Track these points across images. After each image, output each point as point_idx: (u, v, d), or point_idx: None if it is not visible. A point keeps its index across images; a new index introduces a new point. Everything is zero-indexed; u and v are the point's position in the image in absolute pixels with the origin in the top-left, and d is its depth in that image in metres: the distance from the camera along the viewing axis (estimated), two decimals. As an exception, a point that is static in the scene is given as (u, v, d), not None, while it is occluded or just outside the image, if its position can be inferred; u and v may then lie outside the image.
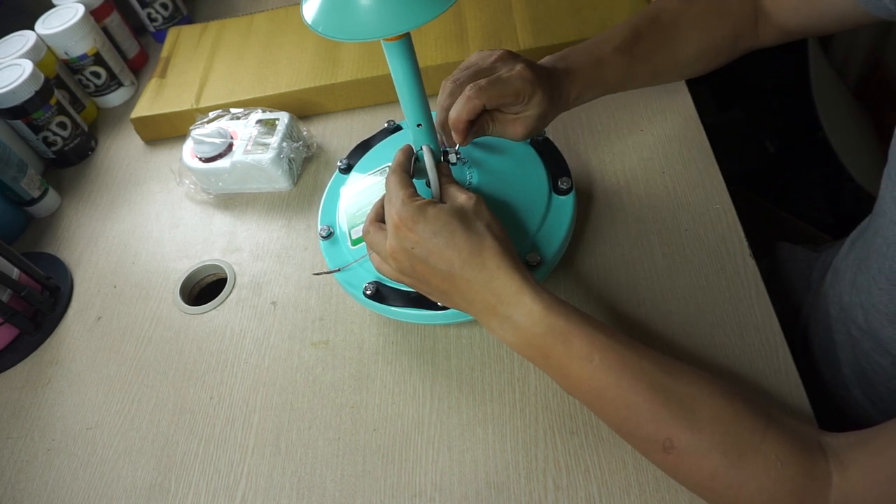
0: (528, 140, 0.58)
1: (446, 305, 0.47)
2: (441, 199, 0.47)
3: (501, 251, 0.42)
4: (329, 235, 0.56)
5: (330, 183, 0.61)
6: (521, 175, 0.55)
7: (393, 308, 0.50)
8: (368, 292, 0.51)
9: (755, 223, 0.59)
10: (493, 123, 0.50)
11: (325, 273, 0.53)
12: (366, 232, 0.47)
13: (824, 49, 0.91)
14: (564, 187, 0.53)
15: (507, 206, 0.52)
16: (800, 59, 0.87)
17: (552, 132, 0.65)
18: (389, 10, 0.36)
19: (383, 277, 0.51)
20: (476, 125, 0.49)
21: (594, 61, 0.53)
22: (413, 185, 0.46)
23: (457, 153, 0.52)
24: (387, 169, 0.58)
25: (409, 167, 0.48)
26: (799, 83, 0.88)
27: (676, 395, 0.38)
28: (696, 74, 0.59)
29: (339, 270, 0.53)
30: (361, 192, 0.58)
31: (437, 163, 0.48)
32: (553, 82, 0.50)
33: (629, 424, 0.39)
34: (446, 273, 0.42)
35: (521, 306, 0.41)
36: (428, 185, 0.49)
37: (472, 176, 0.55)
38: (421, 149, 0.48)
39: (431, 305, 0.49)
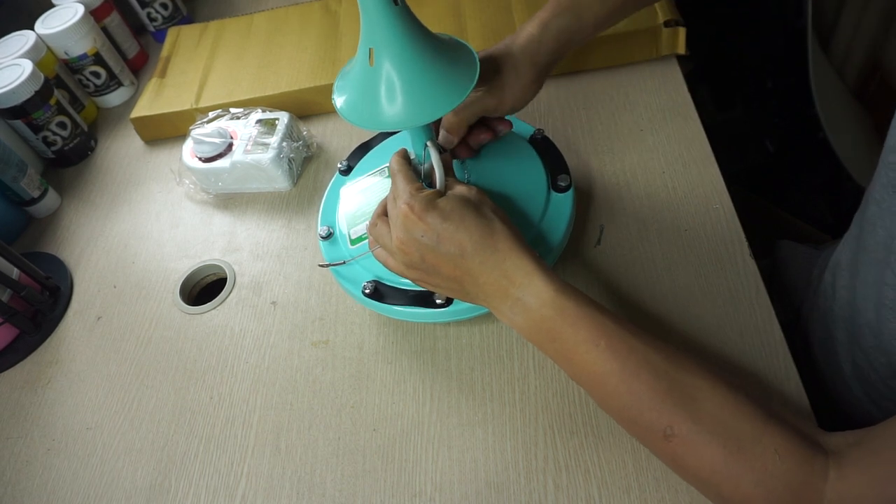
0: (527, 137, 0.58)
1: (454, 297, 0.47)
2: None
3: (511, 234, 0.43)
4: (329, 236, 0.56)
5: (330, 184, 0.61)
6: (519, 173, 0.55)
7: (392, 307, 0.50)
8: (367, 291, 0.51)
9: (755, 223, 0.59)
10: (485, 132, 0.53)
11: (330, 265, 0.53)
12: (372, 225, 0.48)
13: (824, 49, 0.91)
14: (563, 184, 0.53)
15: (505, 203, 0.52)
16: (800, 59, 0.87)
17: (551, 131, 0.65)
18: (411, 111, 0.43)
19: (382, 276, 0.51)
20: (472, 139, 0.53)
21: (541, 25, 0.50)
22: (419, 181, 0.46)
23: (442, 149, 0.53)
24: (386, 170, 0.58)
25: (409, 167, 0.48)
26: (799, 83, 0.88)
27: (680, 384, 0.38)
28: None
29: (344, 263, 0.53)
30: (361, 192, 0.58)
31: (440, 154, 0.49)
32: (512, 58, 0.49)
33: (631, 411, 0.39)
34: (458, 257, 0.42)
35: (532, 287, 0.41)
36: (430, 185, 0.49)
37: (469, 174, 0.55)
38: (426, 146, 0.48)
39: (430, 303, 0.49)
